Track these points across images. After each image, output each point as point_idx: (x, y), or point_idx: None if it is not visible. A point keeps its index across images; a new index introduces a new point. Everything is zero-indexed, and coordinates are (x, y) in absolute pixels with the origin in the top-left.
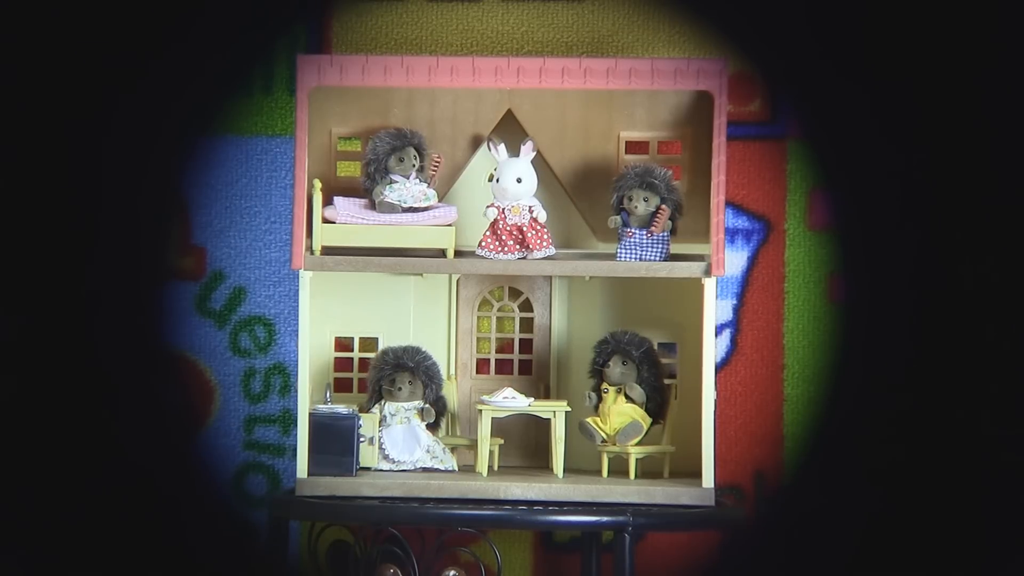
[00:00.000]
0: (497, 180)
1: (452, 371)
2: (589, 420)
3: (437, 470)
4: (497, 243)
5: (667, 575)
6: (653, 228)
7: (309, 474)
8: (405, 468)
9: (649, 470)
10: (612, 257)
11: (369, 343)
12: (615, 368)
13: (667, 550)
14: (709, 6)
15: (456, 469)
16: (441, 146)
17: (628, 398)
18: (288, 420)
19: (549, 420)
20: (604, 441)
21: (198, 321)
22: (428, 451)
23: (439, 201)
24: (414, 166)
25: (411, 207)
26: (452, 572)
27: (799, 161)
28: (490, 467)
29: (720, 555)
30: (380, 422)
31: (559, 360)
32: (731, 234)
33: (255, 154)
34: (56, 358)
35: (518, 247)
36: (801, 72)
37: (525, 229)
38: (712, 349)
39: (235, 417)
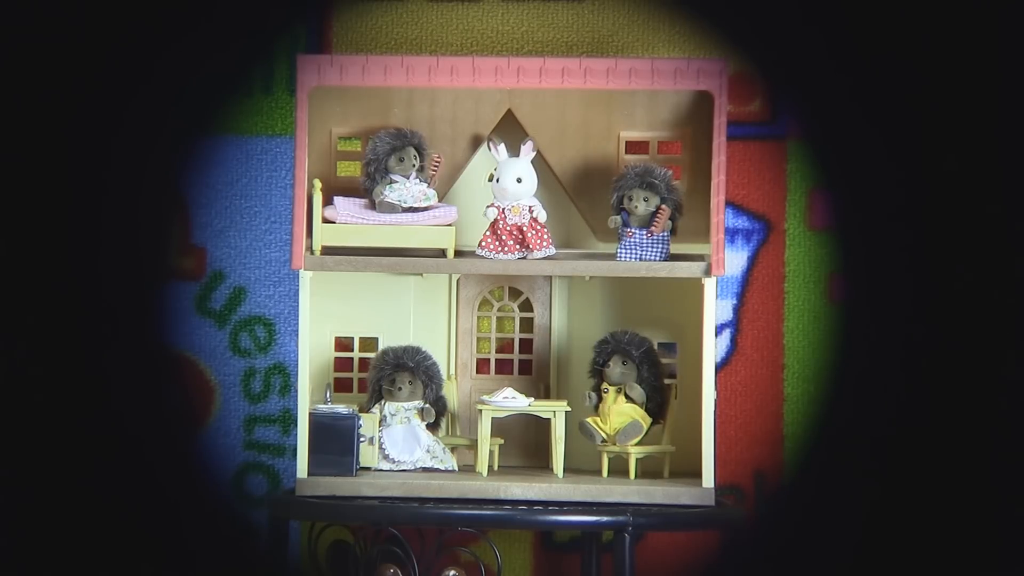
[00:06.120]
0: (497, 180)
1: (452, 371)
2: (589, 420)
3: (437, 470)
4: (497, 243)
5: (667, 575)
6: (653, 228)
7: (309, 474)
8: (405, 468)
9: (649, 470)
10: (612, 257)
11: (369, 343)
12: (615, 368)
13: (667, 550)
14: (709, 6)
15: (456, 469)
16: (441, 146)
17: (628, 398)
18: (288, 420)
19: (549, 420)
20: (604, 441)
21: (198, 321)
22: (428, 451)
23: (439, 201)
24: (414, 166)
25: (411, 207)
26: (452, 572)
27: (799, 161)
28: (490, 467)
29: (720, 555)
30: (380, 422)
31: (559, 360)
32: (731, 234)
33: (255, 154)
34: (56, 358)
35: (518, 247)
36: (801, 72)
37: (525, 229)
38: (712, 349)
39: (235, 417)
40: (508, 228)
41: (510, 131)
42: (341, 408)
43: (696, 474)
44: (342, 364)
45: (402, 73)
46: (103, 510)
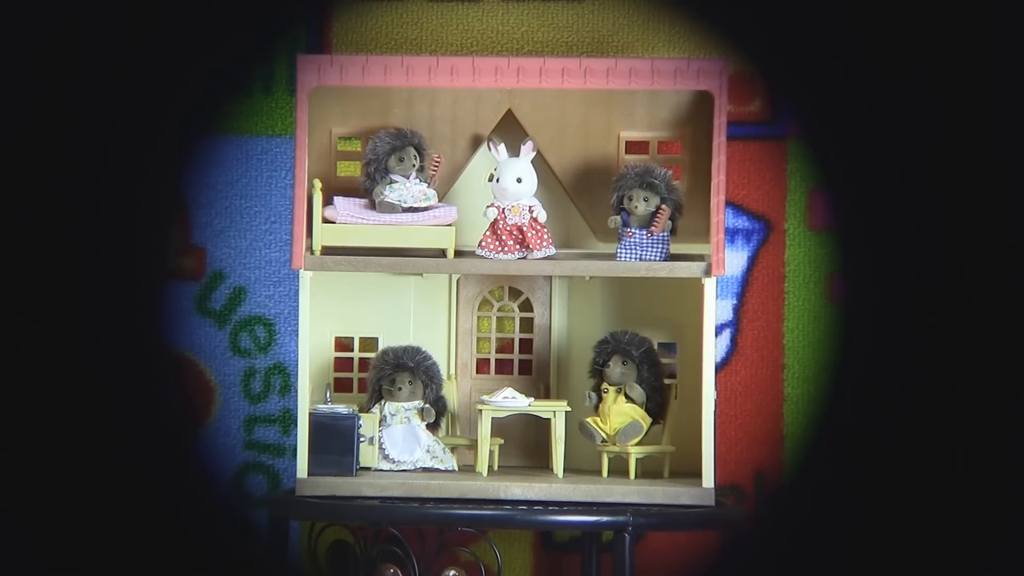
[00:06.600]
0: (497, 180)
1: (452, 371)
2: (589, 420)
3: (437, 470)
4: (497, 243)
5: (667, 575)
6: (653, 228)
7: (309, 474)
8: (405, 468)
9: (649, 470)
10: (612, 257)
11: (369, 343)
12: (615, 368)
13: (667, 550)
14: (709, 6)
15: (456, 469)
16: (441, 146)
17: (628, 398)
18: (288, 420)
19: (549, 420)
20: (604, 441)
21: (198, 321)
22: (428, 451)
23: (439, 201)
24: (414, 166)
25: (411, 207)
26: (452, 572)
27: (799, 161)
28: (490, 467)
29: (720, 555)
30: (380, 422)
31: (559, 360)
32: (731, 234)
33: (255, 154)
34: (56, 358)
35: (518, 247)
36: (801, 72)
37: (525, 229)
38: (712, 349)
39: (235, 417)
40: (508, 228)
41: (510, 131)
42: (341, 408)
43: (696, 474)
44: (342, 364)
45: (402, 73)
46: (103, 510)
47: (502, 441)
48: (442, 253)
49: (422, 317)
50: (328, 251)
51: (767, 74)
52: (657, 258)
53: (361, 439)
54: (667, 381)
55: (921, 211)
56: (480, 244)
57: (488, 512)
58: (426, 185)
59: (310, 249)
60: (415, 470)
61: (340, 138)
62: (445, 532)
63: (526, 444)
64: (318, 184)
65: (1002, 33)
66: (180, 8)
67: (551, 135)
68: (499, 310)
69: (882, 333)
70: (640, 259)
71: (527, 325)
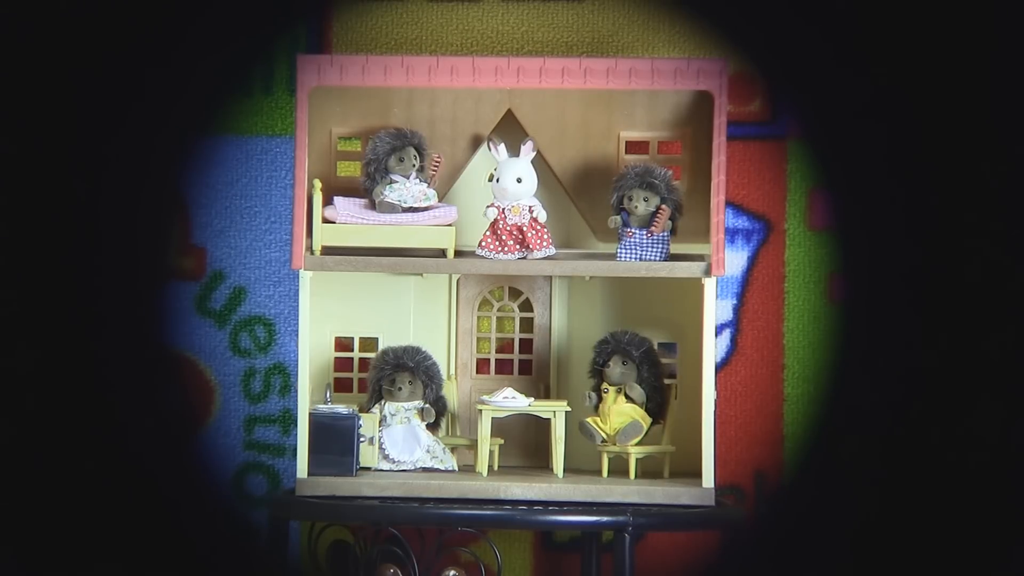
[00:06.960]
0: (497, 180)
1: (452, 371)
2: (589, 420)
3: (437, 470)
4: (497, 243)
5: (667, 575)
6: (653, 228)
7: (309, 474)
8: (405, 468)
9: (649, 470)
10: (612, 257)
11: (369, 343)
12: (615, 368)
13: (667, 550)
14: (709, 6)
15: (456, 469)
16: (441, 146)
17: (628, 398)
18: (288, 420)
19: (549, 420)
20: (604, 441)
21: (198, 321)
22: (428, 451)
23: (439, 201)
24: (414, 166)
25: (411, 207)
26: (452, 572)
27: (799, 161)
28: (490, 467)
29: (720, 555)
30: (380, 422)
31: (559, 360)
32: (731, 234)
33: (255, 154)
34: (56, 358)
35: (518, 247)
36: (801, 72)
37: (525, 229)
38: (712, 349)
39: (235, 417)
40: (508, 228)
41: (510, 131)
42: (341, 408)
43: (696, 474)
44: (342, 364)
45: (402, 73)
46: (103, 510)
47: (502, 441)
48: (442, 253)
49: (422, 317)
50: (328, 251)
51: (767, 74)
52: (657, 258)
53: (361, 439)
54: (667, 381)
55: (921, 211)
56: (480, 244)
57: (488, 512)
58: (426, 185)
59: (310, 249)
60: (415, 470)
61: (340, 138)
62: (445, 532)
63: (526, 444)
64: (318, 184)
65: (1001, 32)
66: (180, 8)
67: (551, 135)
68: (499, 310)
69: (882, 333)
70: (640, 259)
71: (527, 325)
